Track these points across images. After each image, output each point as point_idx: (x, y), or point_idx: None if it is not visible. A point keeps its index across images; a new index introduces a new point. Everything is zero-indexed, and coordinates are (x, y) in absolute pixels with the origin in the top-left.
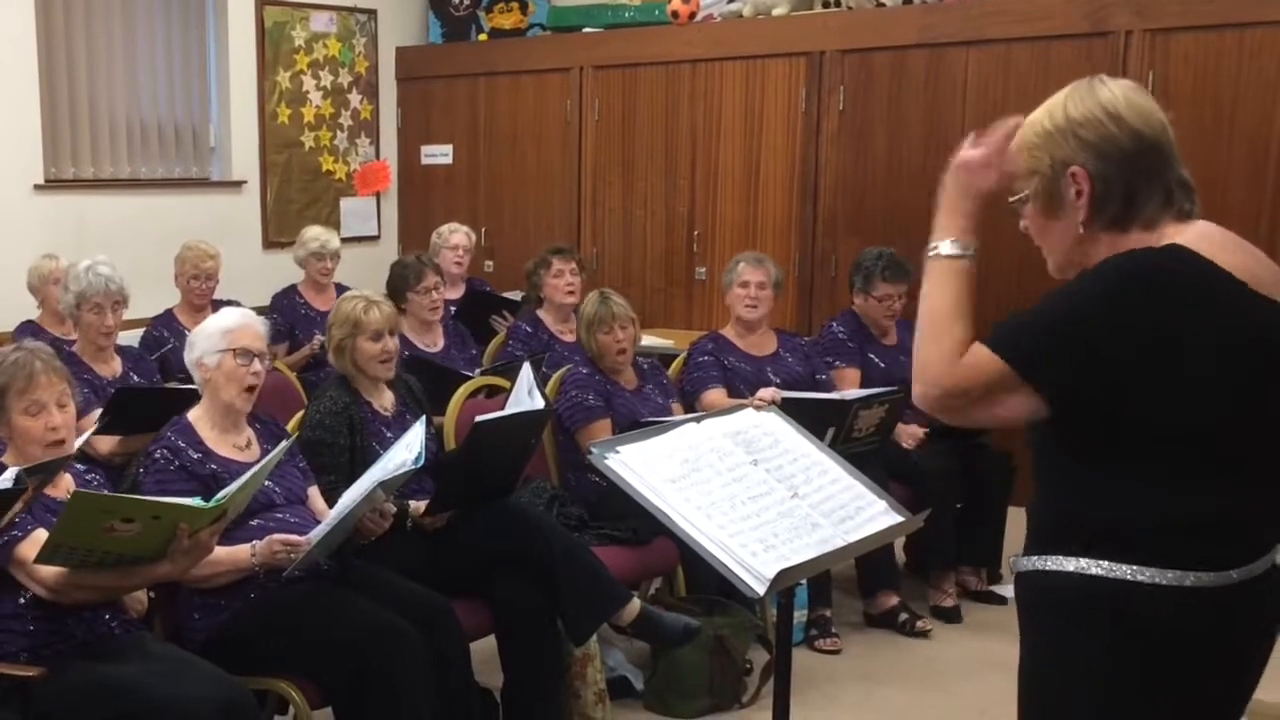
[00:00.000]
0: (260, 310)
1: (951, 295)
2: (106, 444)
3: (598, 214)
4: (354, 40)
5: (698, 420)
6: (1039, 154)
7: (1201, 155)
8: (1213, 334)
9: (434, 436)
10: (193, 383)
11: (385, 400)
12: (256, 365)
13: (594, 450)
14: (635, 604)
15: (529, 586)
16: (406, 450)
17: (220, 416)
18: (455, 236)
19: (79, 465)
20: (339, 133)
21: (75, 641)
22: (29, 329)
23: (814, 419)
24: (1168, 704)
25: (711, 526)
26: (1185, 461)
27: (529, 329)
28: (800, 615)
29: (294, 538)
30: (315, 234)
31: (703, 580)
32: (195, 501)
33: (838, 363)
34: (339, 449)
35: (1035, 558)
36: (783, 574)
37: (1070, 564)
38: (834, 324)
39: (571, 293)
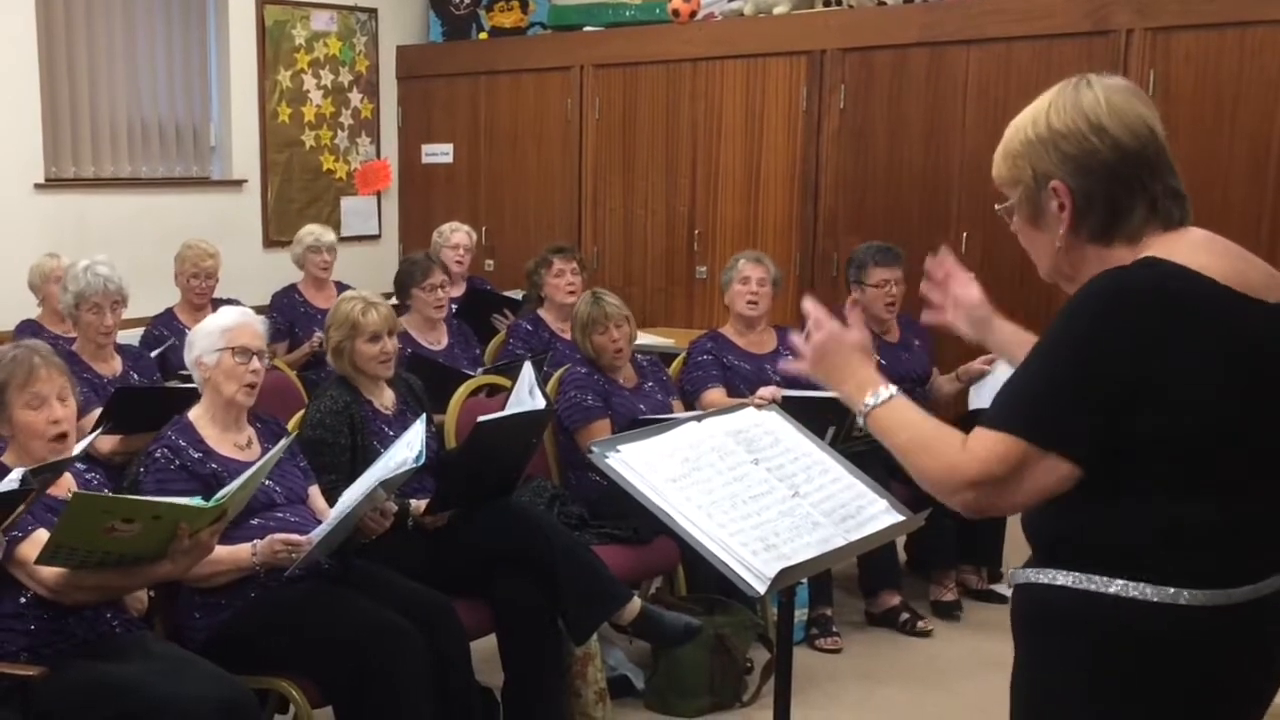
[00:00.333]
0: (260, 309)
1: (911, 419)
2: (107, 443)
3: (598, 213)
4: (354, 39)
5: (698, 419)
6: (1021, 164)
7: (1202, 154)
8: (1201, 345)
9: (435, 435)
10: (193, 381)
11: (386, 399)
12: (255, 363)
13: (594, 449)
14: (636, 603)
15: (530, 586)
16: (407, 449)
17: (221, 415)
18: (456, 236)
19: (79, 464)
20: (339, 132)
21: (76, 641)
22: (29, 328)
23: (815, 417)
24: None
25: (712, 525)
26: (1182, 477)
27: (530, 328)
28: (801, 614)
29: (295, 537)
30: (308, 229)
31: (703, 579)
32: (195, 501)
33: None
34: (340, 448)
35: (1031, 570)
36: (783, 573)
37: (1063, 578)
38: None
39: (572, 292)
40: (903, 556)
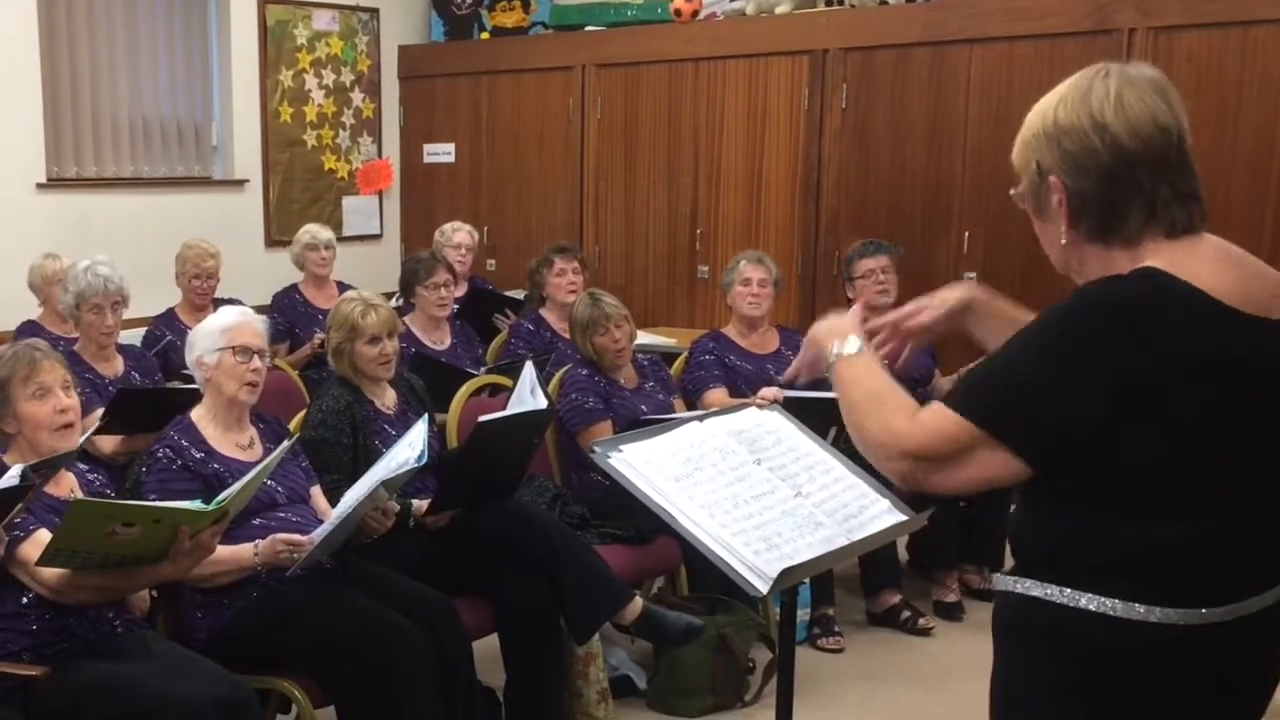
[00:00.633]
0: (262, 309)
1: (868, 376)
2: (109, 443)
3: (600, 213)
4: (356, 39)
5: (700, 419)
6: (1029, 154)
7: (1205, 153)
8: (1180, 364)
9: (436, 435)
10: (195, 381)
11: (388, 399)
12: (256, 362)
13: (596, 449)
14: (638, 603)
15: (532, 585)
16: (409, 448)
17: (223, 415)
18: (458, 235)
19: (81, 465)
20: (341, 131)
21: (78, 641)
22: (30, 329)
23: (817, 417)
24: None
25: (714, 525)
26: (1158, 498)
27: (531, 328)
28: (803, 614)
29: (297, 537)
30: (305, 228)
31: (705, 579)
32: (196, 505)
33: None
34: (342, 448)
35: (1011, 578)
36: (786, 573)
37: (1038, 589)
38: None
39: (574, 291)
40: (904, 556)
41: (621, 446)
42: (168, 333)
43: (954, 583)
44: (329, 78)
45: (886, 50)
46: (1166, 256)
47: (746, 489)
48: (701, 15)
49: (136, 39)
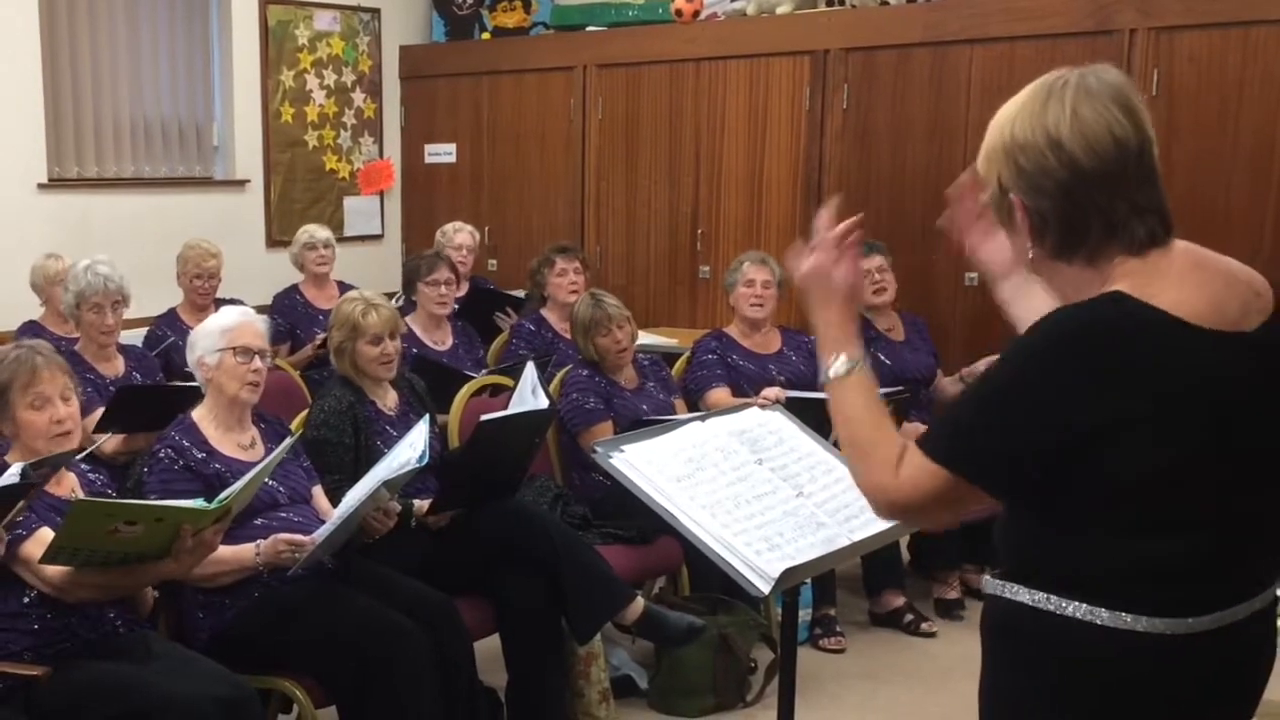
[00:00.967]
0: (263, 310)
1: (859, 412)
2: (110, 442)
3: (601, 213)
4: (357, 39)
5: (702, 419)
6: (991, 168)
7: (1206, 154)
8: (1157, 388)
9: (438, 435)
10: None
11: (389, 399)
12: (257, 363)
13: (598, 449)
14: (639, 603)
15: (533, 585)
16: (410, 449)
17: (224, 415)
18: (459, 236)
19: (83, 465)
20: (342, 131)
21: (79, 640)
22: (31, 329)
23: (818, 418)
24: None
25: (716, 525)
26: (1145, 513)
27: (532, 328)
28: (805, 614)
29: (298, 537)
30: (303, 229)
31: (707, 579)
32: (198, 503)
33: None
34: (343, 448)
35: (1000, 583)
36: (788, 573)
37: (1025, 595)
38: None
39: (575, 291)
40: (906, 556)
41: (623, 447)
42: (169, 333)
43: (955, 583)
44: (330, 78)
45: (887, 50)
46: (1132, 278)
47: (748, 489)
48: (702, 15)
49: (138, 39)
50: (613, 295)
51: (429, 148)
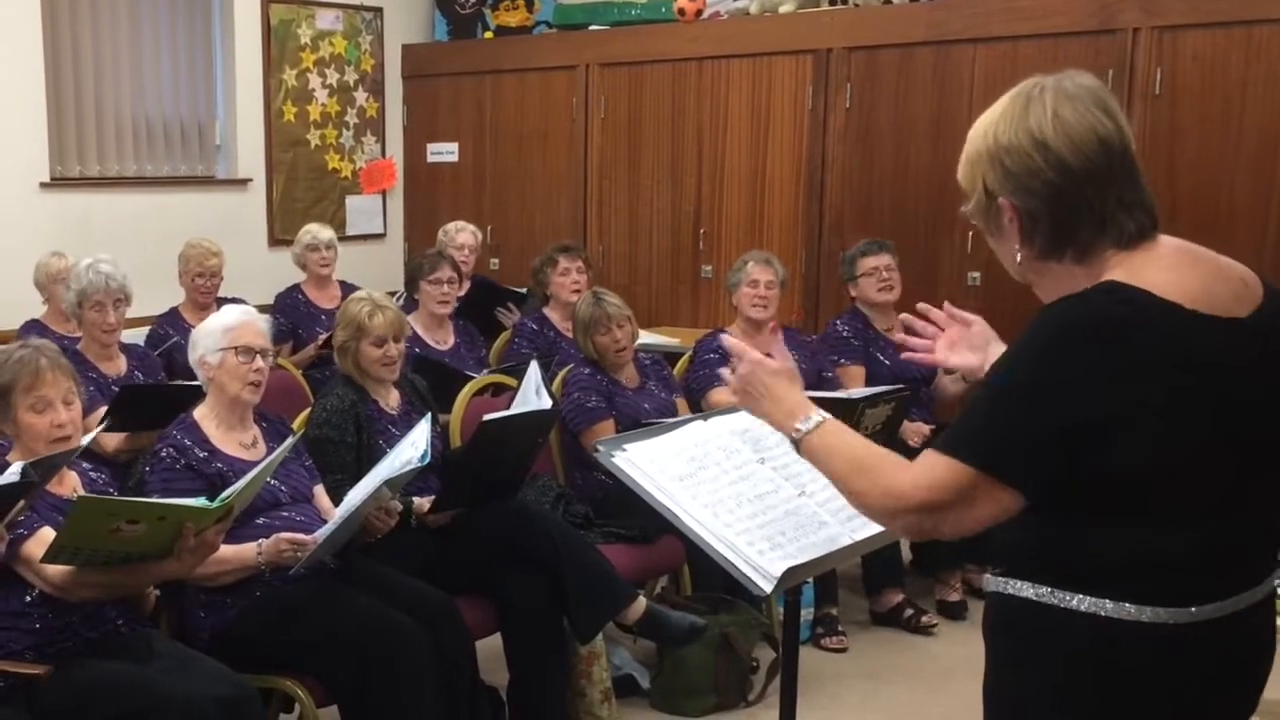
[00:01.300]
0: (265, 309)
1: (849, 440)
2: (112, 441)
3: (604, 212)
4: (360, 38)
5: (705, 418)
6: (974, 173)
7: (1209, 152)
8: (1154, 376)
9: (440, 434)
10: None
11: (391, 399)
12: (259, 362)
13: (600, 448)
14: (641, 602)
15: (535, 585)
16: (412, 448)
17: (226, 414)
18: (462, 235)
19: (85, 463)
20: (345, 130)
21: (81, 639)
22: (34, 327)
23: None
24: None
25: (718, 524)
26: (1151, 503)
27: (535, 327)
28: (806, 613)
29: (300, 536)
30: (306, 228)
31: (709, 578)
32: (200, 501)
33: (842, 360)
34: (345, 447)
35: (1002, 579)
36: (790, 572)
37: (1029, 590)
38: (837, 322)
39: (578, 291)
40: (907, 555)
41: (625, 446)
42: (171, 332)
43: (957, 582)
44: (332, 77)
45: (890, 50)
46: (1125, 268)
47: (750, 488)
48: (705, 14)
49: (140, 38)
50: (615, 294)
51: (431, 147)
